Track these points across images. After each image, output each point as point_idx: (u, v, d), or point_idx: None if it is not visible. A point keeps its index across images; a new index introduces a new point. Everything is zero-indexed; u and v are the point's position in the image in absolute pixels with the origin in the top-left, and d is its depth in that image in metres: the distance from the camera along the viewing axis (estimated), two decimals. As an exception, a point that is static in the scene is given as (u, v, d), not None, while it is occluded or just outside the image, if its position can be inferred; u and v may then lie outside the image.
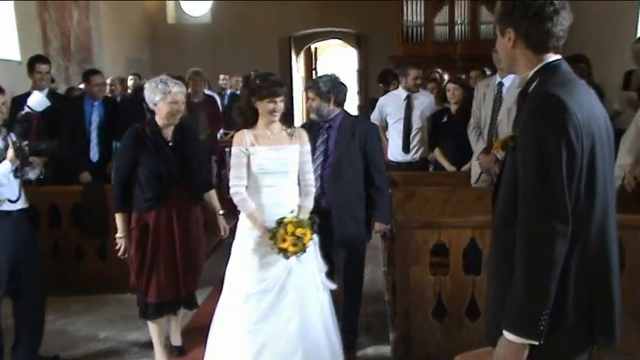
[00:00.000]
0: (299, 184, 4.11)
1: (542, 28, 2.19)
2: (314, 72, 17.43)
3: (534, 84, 2.21)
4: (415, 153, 6.83)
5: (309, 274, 3.98)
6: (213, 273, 6.58)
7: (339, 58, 18.76)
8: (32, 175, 4.45)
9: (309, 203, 4.09)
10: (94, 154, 6.77)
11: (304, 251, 3.83)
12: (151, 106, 4.33)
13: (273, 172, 3.97)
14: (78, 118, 6.66)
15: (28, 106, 4.84)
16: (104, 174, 6.58)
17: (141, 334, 5.12)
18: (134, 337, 5.15)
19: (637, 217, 4.32)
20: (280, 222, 3.82)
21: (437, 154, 6.55)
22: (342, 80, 4.77)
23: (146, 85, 4.39)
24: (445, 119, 6.54)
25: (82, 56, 11.37)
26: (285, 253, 3.79)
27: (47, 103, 4.97)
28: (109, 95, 8.47)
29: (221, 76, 10.79)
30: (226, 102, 10.32)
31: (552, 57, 2.23)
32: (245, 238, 4.01)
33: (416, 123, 6.81)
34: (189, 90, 7.94)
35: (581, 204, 2.09)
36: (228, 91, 10.68)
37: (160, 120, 4.32)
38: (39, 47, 9.83)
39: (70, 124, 6.53)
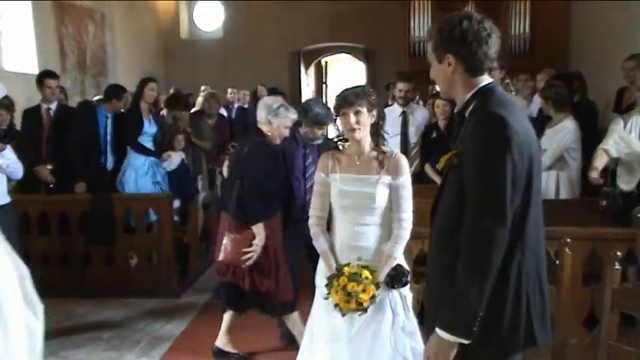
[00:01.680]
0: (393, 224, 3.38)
1: (479, 51, 2.34)
2: (324, 85, 17.69)
3: (472, 105, 2.39)
4: (415, 168, 6.93)
5: (384, 338, 3.31)
6: (216, 279, 6.88)
7: (348, 72, 18.98)
8: (1, 159, 4.72)
9: (396, 251, 3.32)
10: (110, 164, 6.96)
11: (364, 311, 3.22)
12: (264, 123, 4.56)
13: (352, 206, 3.36)
14: (91, 129, 6.85)
15: None
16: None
17: (142, 335, 5.40)
18: (136, 338, 5.39)
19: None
20: (340, 270, 3.26)
21: (427, 169, 6.63)
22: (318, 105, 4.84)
23: (266, 104, 4.66)
24: (434, 135, 6.66)
25: (97, 70, 11.73)
26: (339, 308, 3.24)
27: (5, 92, 5.13)
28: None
29: (229, 90, 11.06)
30: (233, 115, 10.60)
31: (487, 80, 2.41)
32: (320, 274, 3.49)
33: (412, 138, 6.93)
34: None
35: (518, 213, 2.28)
36: (236, 105, 10.97)
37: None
38: (56, 61, 10.21)
39: (81, 134, 6.72)
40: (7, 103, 6.73)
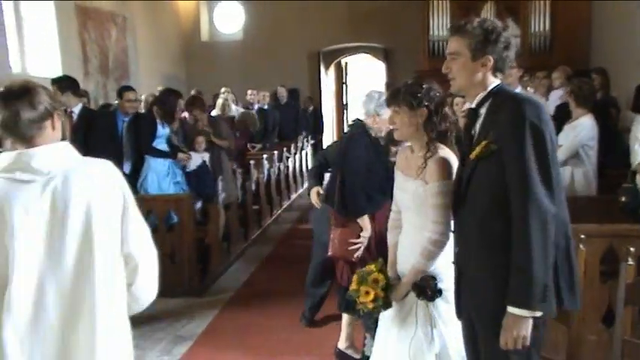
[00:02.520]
0: None
1: (509, 55, 2.60)
2: (344, 86, 17.73)
3: (488, 102, 2.58)
4: None
5: (402, 346, 3.21)
6: (237, 279, 6.98)
7: (367, 72, 18.98)
8: None
9: (419, 263, 3.10)
10: (127, 167, 7.04)
11: (369, 311, 3.22)
12: (371, 115, 4.49)
13: (400, 205, 3.32)
14: (110, 132, 6.98)
15: None
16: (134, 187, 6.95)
17: (164, 334, 5.48)
18: (158, 336, 5.45)
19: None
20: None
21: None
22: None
23: (372, 96, 4.64)
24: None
25: (119, 73, 11.90)
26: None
27: None
28: (142, 112, 8.87)
29: (249, 92, 11.16)
30: (254, 116, 10.69)
31: (497, 80, 2.62)
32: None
33: None
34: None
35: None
36: (256, 106, 11.06)
37: (373, 132, 4.53)
38: (79, 65, 10.40)
39: (100, 137, 6.81)
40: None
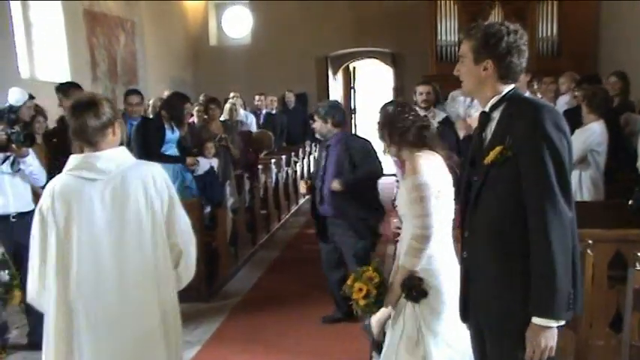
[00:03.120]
0: None
1: (517, 63, 2.53)
2: (352, 90, 17.74)
3: (502, 106, 2.54)
4: None
5: (392, 346, 3.25)
6: (245, 284, 6.99)
7: (375, 77, 18.99)
8: (23, 165, 4.80)
9: (406, 262, 3.14)
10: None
11: (361, 309, 3.26)
12: (463, 118, 4.62)
13: (400, 215, 3.36)
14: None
15: (9, 103, 5.09)
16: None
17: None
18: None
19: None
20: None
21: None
22: (339, 104, 5.38)
23: (459, 99, 4.71)
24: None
25: (127, 78, 11.93)
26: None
27: (25, 97, 5.13)
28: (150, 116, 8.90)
29: (256, 97, 11.19)
30: (262, 121, 10.72)
31: (512, 86, 2.57)
32: None
33: None
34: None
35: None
36: (264, 111, 11.09)
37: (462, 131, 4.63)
38: (87, 70, 10.45)
39: None
40: (41, 109, 6.92)
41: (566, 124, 2.45)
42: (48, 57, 9.68)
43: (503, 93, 2.56)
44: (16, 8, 8.97)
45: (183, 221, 2.93)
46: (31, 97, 6.45)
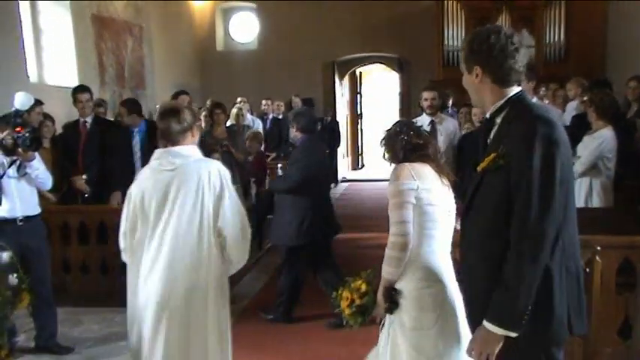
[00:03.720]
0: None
1: (506, 65, 2.47)
2: (358, 95, 17.75)
3: (505, 111, 2.51)
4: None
5: (381, 355, 3.27)
6: (251, 288, 6.99)
7: (382, 82, 19.01)
8: (29, 170, 4.82)
9: (384, 270, 3.12)
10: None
11: (348, 320, 3.29)
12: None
13: None
14: (123, 141, 7.03)
15: (15, 107, 5.08)
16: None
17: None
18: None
19: None
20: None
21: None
22: (305, 111, 5.77)
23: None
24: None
25: (135, 83, 11.96)
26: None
27: (31, 102, 5.10)
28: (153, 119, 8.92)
29: (263, 102, 11.21)
30: (268, 126, 10.73)
31: (516, 89, 2.53)
32: None
33: (442, 147, 6.89)
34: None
35: (561, 209, 2.38)
36: (271, 116, 11.10)
37: None
38: (95, 75, 10.46)
39: (113, 146, 6.87)
40: (47, 113, 6.95)
41: (562, 136, 2.38)
42: (56, 61, 9.71)
43: (506, 97, 2.52)
44: (25, 12, 9.00)
45: (230, 212, 3.46)
46: (40, 103, 6.48)
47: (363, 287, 3.22)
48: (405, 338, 3.07)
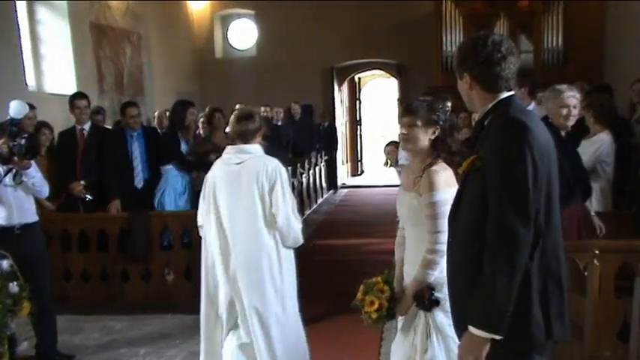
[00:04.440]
0: None
1: (492, 72, 2.50)
2: (357, 102, 17.78)
3: (491, 115, 2.54)
4: None
5: (405, 354, 3.32)
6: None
7: (381, 88, 19.04)
8: (26, 178, 4.81)
9: (419, 273, 3.20)
10: (139, 182, 7.16)
11: (374, 321, 3.32)
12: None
13: (402, 219, 3.47)
14: (119, 149, 7.04)
15: (10, 115, 5.00)
16: (149, 201, 7.05)
17: (178, 351, 5.49)
18: (172, 353, 5.46)
19: None
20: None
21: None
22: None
23: (547, 95, 4.84)
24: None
25: (134, 90, 11.96)
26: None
27: (26, 109, 5.01)
28: (154, 126, 8.95)
29: (262, 108, 11.20)
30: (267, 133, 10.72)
31: (505, 94, 2.54)
32: None
33: None
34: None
35: (541, 214, 2.39)
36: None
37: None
38: (94, 82, 10.48)
39: (110, 154, 6.88)
40: (46, 122, 6.95)
41: (541, 139, 2.38)
42: (55, 69, 9.73)
43: (495, 101, 2.54)
44: (23, 21, 9.03)
45: (281, 200, 4.07)
46: (32, 107, 6.48)
47: (387, 291, 3.29)
48: (442, 334, 3.16)
